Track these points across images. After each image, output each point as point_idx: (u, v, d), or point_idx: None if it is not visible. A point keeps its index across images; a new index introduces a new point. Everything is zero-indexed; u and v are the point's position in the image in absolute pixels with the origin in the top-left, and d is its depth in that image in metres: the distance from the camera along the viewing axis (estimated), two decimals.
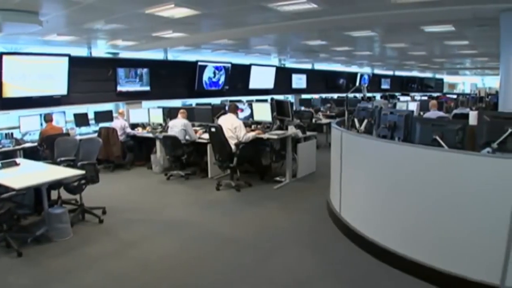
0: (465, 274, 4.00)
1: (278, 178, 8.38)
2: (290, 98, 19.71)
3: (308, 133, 9.15)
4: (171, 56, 14.51)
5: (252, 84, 17.17)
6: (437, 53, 16.98)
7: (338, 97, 19.33)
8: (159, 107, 11.21)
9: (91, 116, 10.82)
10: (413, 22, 9.28)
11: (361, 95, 10.45)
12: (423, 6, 7.33)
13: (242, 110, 10.26)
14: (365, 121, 5.87)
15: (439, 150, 4.37)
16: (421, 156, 4.36)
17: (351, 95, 17.09)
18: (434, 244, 4.27)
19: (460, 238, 4.07)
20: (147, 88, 12.92)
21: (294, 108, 16.36)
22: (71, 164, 6.38)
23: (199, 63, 14.62)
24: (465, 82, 41.21)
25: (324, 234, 5.64)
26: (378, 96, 24.57)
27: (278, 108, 8.82)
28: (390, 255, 4.61)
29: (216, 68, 15.41)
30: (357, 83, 23.14)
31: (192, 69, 14.56)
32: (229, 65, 15.84)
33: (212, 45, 12.55)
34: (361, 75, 24.74)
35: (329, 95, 20.45)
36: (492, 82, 34.09)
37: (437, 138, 4.58)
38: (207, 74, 15.10)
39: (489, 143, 4.40)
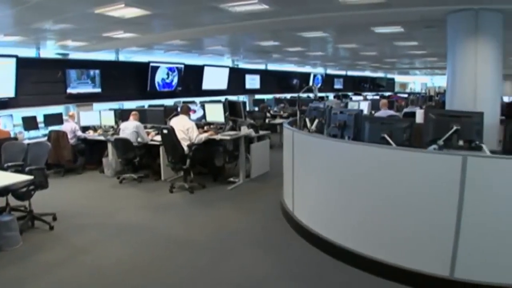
0: (416, 268, 4.12)
1: (231, 179, 8.37)
2: (244, 98, 19.72)
3: (261, 132, 9.18)
4: (123, 57, 14.30)
5: (206, 85, 17.10)
6: (388, 54, 17.31)
7: (292, 97, 19.49)
8: (110, 109, 11.02)
9: (40, 119, 10.50)
10: (364, 23, 9.43)
11: (314, 95, 10.55)
12: (372, 8, 7.45)
13: (194, 111, 10.21)
14: (316, 120, 5.93)
15: (387, 148, 4.50)
16: (370, 154, 4.46)
17: (304, 95, 17.30)
18: (386, 240, 4.37)
19: (410, 233, 4.19)
20: (99, 90, 12.66)
21: (248, 108, 16.45)
22: (19, 169, 6.18)
23: (152, 64, 14.44)
24: (415, 82, 42.20)
25: (278, 234, 5.66)
26: (331, 96, 24.87)
27: (231, 109, 8.82)
28: (343, 252, 4.68)
29: (170, 69, 15.27)
30: (310, 83, 23.36)
31: (145, 70, 14.37)
32: (182, 66, 15.71)
33: (164, 45, 12.43)
34: (314, 75, 25.00)
35: (282, 95, 20.56)
36: (441, 81, 34.99)
37: (386, 136, 4.69)
38: (160, 75, 14.93)
39: (435, 140, 4.58)
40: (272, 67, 22.20)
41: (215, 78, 17.63)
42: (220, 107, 8.87)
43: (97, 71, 12.60)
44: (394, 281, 4.22)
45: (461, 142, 4.53)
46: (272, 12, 7.62)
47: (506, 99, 23.16)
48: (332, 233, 4.92)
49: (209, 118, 9.23)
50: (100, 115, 10.83)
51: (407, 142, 4.70)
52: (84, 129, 10.59)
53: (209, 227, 5.99)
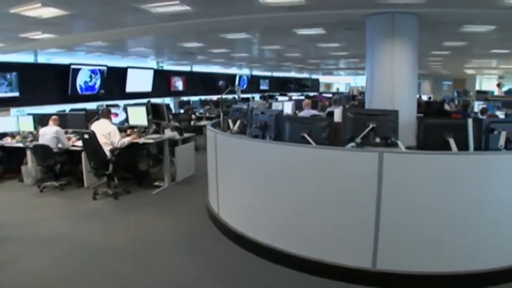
0: (340, 262, 4.26)
1: (157, 183, 8.24)
2: (170, 101, 19.50)
3: (186, 135, 9.09)
4: (42, 59, 13.77)
5: (130, 88, 16.80)
6: (312, 55, 17.68)
7: (218, 98, 19.48)
8: (29, 114, 10.55)
9: None
10: (286, 25, 9.58)
11: (236, 96, 10.58)
12: (293, 10, 7.58)
13: (116, 115, 9.97)
14: (238, 121, 5.93)
15: (307, 147, 4.59)
16: (291, 154, 4.54)
17: (230, 96, 17.33)
18: (310, 237, 4.47)
19: (332, 229, 4.32)
20: (16, 94, 12.13)
21: (173, 111, 16.27)
22: None
23: (72, 66, 14.03)
24: (340, 82, 43.28)
25: (205, 237, 5.62)
26: (257, 96, 25.06)
27: (154, 112, 8.66)
28: (269, 251, 4.72)
29: (92, 71, 14.88)
30: (236, 85, 23.42)
31: (65, 73, 13.92)
32: (105, 68, 15.35)
33: (86, 47, 12.11)
34: (240, 77, 25.13)
35: (208, 97, 20.48)
36: (364, 81, 35.93)
37: (305, 135, 4.77)
38: (82, 78, 14.52)
39: (353, 138, 4.71)
40: (197, 68, 22.12)
41: (139, 80, 17.36)
42: (143, 110, 8.68)
43: (14, 74, 12.04)
44: (319, 276, 4.32)
45: (378, 139, 4.71)
46: (194, 13, 7.61)
47: (425, 97, 24.24)
48: (258, 233, 4.95)
49: (131, 122, 9.01)
50: (18, 120, 10.33)
51: (326, 141, 4.80)
52: (1, 136, 10.08)
53: (134, 233, 5.85)
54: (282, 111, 5.71)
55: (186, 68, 21.55)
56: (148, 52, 15.20)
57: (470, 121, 4.44)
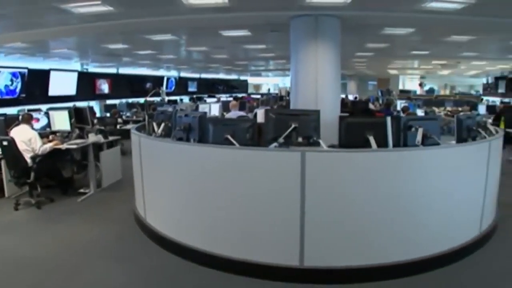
0: (269, 261, 4.30)
1: (82, 190, 7.96)
2: (95, 104, 19.00)
3: (111, 138, 8.88)
4: None
5: (53, 91, 16.20)
6: (239, 56, 17.76)
7: (145, 101, 19.17)
8: None
9: None
10: (211, 27, 9.58)
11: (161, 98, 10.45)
12: (218, 12, 7.60)
13: (38, 120, 9.58)
14: (163, 124, 5.87)
15: (230, 148, 4.62)
16: (214, 155, 4.54)
17: (158, 98, 17.11)
18: (237, 238, 4.48)
19: (259, 229, 4.36)
20: None
21: (99, 114, 15.87)
22: None
23: None
24: (268, 83, 43.70)
25: (132, 243, 5.50)
26: (186, 98, 24.89)
27: (77, 116, 8.40)
28: (197, 253, 4.69)
29: (13, 74, 14.24)
30: (164, 87, 23.16)
31: None
32: (26, 70, 14.72)
33: (4, 48, 11.61)
34: (168, 78, 24.85)
35: (135, 100, 20.11)
36: None
37: (229, 137, 4.78)
38: (3, 82, 13.87)
39: (276, 138, 4.77)
40: (124, 70, 21.69)
41: (63, 83, 16.79)
42: (65, 114, 8.39)
43: None
44: (248, 276, 4.35)
45: (300, 139, 4.81)
46: (117, 14, 7.49)
47: (351, 97, 24.93)
48: (184, 236, 4.91)
49: (54, 127, 8.70)
50: None
51: (250, 142, 4.85)
52: None
53: (59, 243, 5.60)
54: (205, 113, 5.68)
55: (112, 70, 21.08)
56: (72, 54, 14.74)
57: (388, 120, 4.61)
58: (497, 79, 23.90)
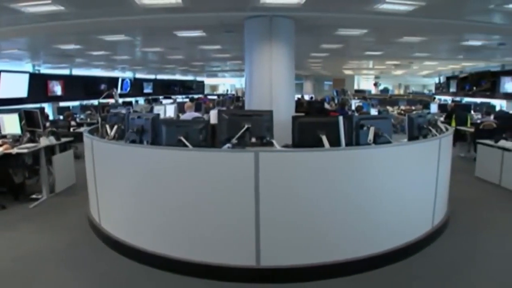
0: (225, 262, 4.31)
1: (34, 196, 7.72)
2: (48, 106, 18.53)
3: (64, 139, 8.67)
4: None
5: (2, 93, 15.71)
6: (195, 57, 17.66)
7: (99, 103, 18.81)
8: None
9: None
10: (166, 27, 9.49)
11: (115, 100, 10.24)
12: (172, 12, 7.55)
13: None
14: (115, 127, 5.79)
15: (184, 150, 4.60)
16: (167, 157, 4.52)
17: (111, 100, 16.80)
18: (193, 240, 4.46)
19: (215, 230, 4.35)
20: None
21: (52, 117, 15.50)
22: None
23: None
24: (225, 84, 43.65)
25: (87, 248, 5.37)
26: (141, 100, 24.60)
27: (28, 119, 8.17)
28: (153, 257, 4.64)
29: None
30: (119, 88, 22.81)
31: None
32: None
33: None
34: (123, 80, 24.47)
35: (89, 102, 19.69)
36: None
37: (182, 138, 4.75)
38: None
39: (230, 139, 4.78)
40: (77, 72, 21.24)
41: (13, 85, 16.26)
42: (15, 117, 8.16)
43: None
44: (205, 279, 4.34)
45: (253, 139, 4.83)
46: (69, 14, 7.36)
47: (307, 97, 25.16)
48: (140, 240, 4.84)
49: (3, 131, 8.43)
50: None
51: (203, 143, 4.84)
52: None
53: (10, 252, 5.37)
54: (158, 114, 5.63)
55: (65, 72, 20.60)
56: (23, 55, 14.33)
57: (341, 119, 4.68)
58: (448, 78, 24.60)
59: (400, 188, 4.76)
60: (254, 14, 7.91)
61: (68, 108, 17.46)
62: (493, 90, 18.70)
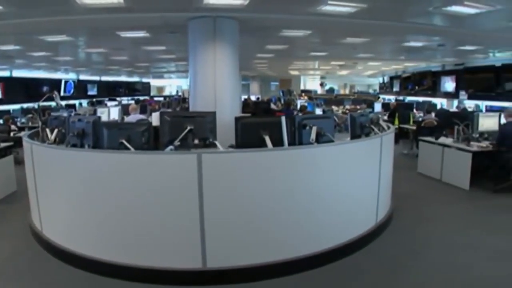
0: (171, 266, 4.26)
1: None
2: None
3: (3, 144, 8.35)
4: None
5: None
6: (139, 58, 17.41)
7: (39, 106, 18.24)
8: None
9: None
10: (108, 27, 9.35)
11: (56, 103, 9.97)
12: (114, 12, 7.44)
13: None
14: (56, 130, 5.64)
15: (126, 153, 4.52)
16: (109, 161, 4.42)
17: (53, 103, 16.37)
18: (137, 245, 4.38)
19: (159, 234, 4.29)
20: None
21: None
22: None
23: None
24: (172, 85, 43.24)
25: (29, 258, 5.14)
26: (85, 102, 24.08)
27: None
28: (97, 264, 4.51)
29: None
30: (62, 91, 22.23)
31: None
32: None
33: None
34: (66, 82, 23.86)
35: (31, 105, 19.04)
36: None
37: (124, 141, 4.67)
38: None
39: (172, 141, 4.74)
40: (18, 73, 20.55)
41: None
42: None
43: None
44: (152, 283, 4.27)
45: (196, 141, 4.83)
46: (8, 14, 7.24)
47: (253, 98, 25.29)
48: (85, 247, 4.69)
49: None
50: None
51: (146, 145, 4.80)
52: None
53: None
54: (99, 117, 5.52)
55: (5, 74, 19.89)
56: None
57: (283, 119, 4.72)
58: (392, 78, 25.28)
59: (344, 186, 4.86)
60: (198, 15, 7.89)
61: (8, 111, 16.86)
62: (434, 89, 19.37)
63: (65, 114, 6.09)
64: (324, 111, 14.57)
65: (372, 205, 5.44)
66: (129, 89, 31.99)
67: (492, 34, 9.96)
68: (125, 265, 4.37)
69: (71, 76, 24.65)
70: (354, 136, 5.82)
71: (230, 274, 4.26)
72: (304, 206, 4.50)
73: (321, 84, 35.65)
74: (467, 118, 8.73)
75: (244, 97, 25.64)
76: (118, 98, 26.12)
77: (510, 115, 7.89)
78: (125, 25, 9.07)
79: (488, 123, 8.68)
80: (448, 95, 18.26)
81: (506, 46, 12.97)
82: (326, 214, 4.68)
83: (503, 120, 8.36)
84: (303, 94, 27.56)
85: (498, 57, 15.37)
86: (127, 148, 4.63)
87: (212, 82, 7.88)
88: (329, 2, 7.05)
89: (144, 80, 35.00)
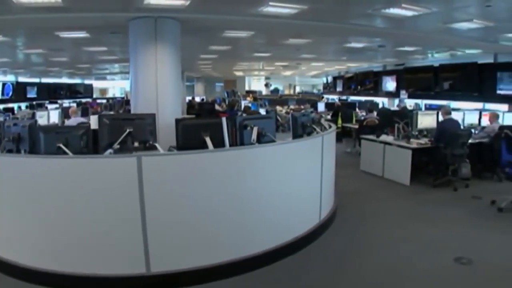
0: (114, 272, 4.15)
1: None
2: None
3: None
4: None
5: None
6: (81, 59, 17.02)
7: None
8: None
9: None
10: (47, 27, 9.13)
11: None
12: (53, 12, 7.27)
13: None
14: None
15: (63, 157, 4.39)
16: (46, 166, 4.23)
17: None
18: (78, 252, 4.23)
19: (100, 240, 4.17)
20: None
21: None
22: None
23: None
24: (115, 86, 42.49)
25: None
26: (24, 106, 23.32)
27: None
28: (37, 274, 4.30)
29: None
30: (0, 93, 21.46)
31: None
32: None
33: None
34: (4, 84, 23.02)
35: None
36: None
37: (61, 145, 4.54)
38: None
39: (111, 144, 4.66)
40: None
41: None
42: None
43: None
44: None
45: (136, 144, 4.76)
46: None
47: (198, 99, 25.22)
48: (23, 256, 4.45)
49: None
50: None
51: (85, 149, 4.69)
52: None
53: None
54: (36, 121, 5.37)
55: None
56: None
57: (224, 120, 4.73)
58: (335, 78, 25.71)
59: (286, 185, 4.92)
60: (138, 15, 7.77)
61: None
62: (376, 89, 19.82)
63: (1, 119, 5.86)
64: (267, 112, 14.68)
65: (315, 203, 5.52)
66: (71, 91, 31.09)
67: (430, 36, 10.29)
68: (67, 273, 4.20)
69: (10, 78, 23.81)
70: (296, 136, 5.88)
71: (175, 277, 4.21)
72: (247, 206, 4.52)
73: (266, 85, 35.92)
74: (407, 117, 9.00)
75: (189, 98, 25.53)
76: (59, 101, 25.38)
77: (447, 113, 8.21)
78: (64, 25, 8.85)
79: (427, 121, 8.98)
80: (390, 95, 18.74)
81: (442, 47, 13.44)
82: (269, 213, 4.71)
83: (440, 118, 8.65)
84: (248, 95, 27.63)
85: (436, 58, 16.00)
86: (65, 153, 4.50)
87: (154, 83, 7.78)
88: (270, 3, 7.11)
89: (87, 81, 34.18)
